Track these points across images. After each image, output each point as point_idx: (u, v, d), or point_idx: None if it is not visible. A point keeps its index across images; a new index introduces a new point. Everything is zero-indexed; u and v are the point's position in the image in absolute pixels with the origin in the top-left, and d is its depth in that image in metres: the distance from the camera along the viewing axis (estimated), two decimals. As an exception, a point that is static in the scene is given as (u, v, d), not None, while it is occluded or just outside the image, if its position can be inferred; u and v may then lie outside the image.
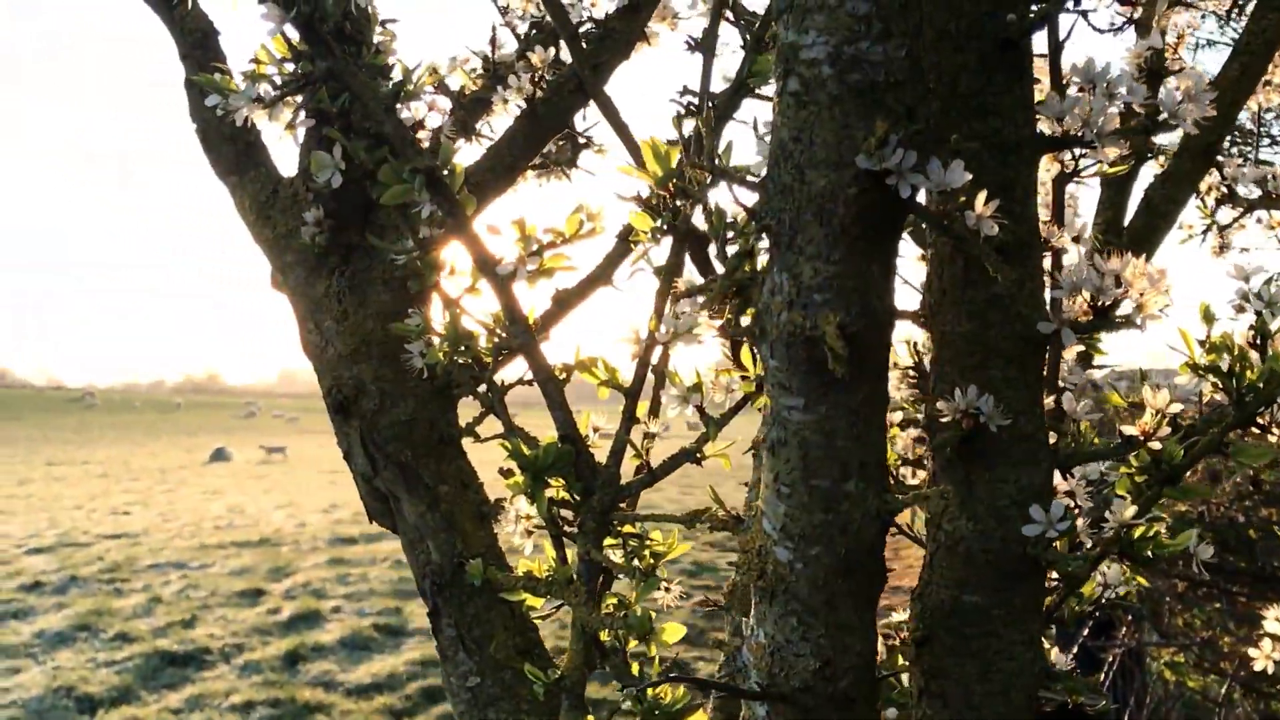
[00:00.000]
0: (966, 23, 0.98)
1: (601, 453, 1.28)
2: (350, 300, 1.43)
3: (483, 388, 1.34)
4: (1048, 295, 1.02)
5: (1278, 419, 1.04)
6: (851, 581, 0.93)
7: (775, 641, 0.95)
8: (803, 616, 0.93)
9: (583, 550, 1.24)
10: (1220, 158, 1.93)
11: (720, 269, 1.03)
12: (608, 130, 1.34)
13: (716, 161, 0.98)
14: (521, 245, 1.26)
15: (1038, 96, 1.03)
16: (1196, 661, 4.26)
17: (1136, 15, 1.43)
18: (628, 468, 1.29)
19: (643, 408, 1.29)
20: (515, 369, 1.35)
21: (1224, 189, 1.96)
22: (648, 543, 1.27)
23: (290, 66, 1.27)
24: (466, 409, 1.46)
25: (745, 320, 1.02)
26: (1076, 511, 1.07)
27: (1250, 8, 1.88)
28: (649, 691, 1.17)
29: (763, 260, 0.95)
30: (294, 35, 1.25)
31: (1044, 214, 1.16)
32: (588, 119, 1.73)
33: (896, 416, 1.23)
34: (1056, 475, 1.07)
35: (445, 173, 1.22)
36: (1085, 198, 2.06)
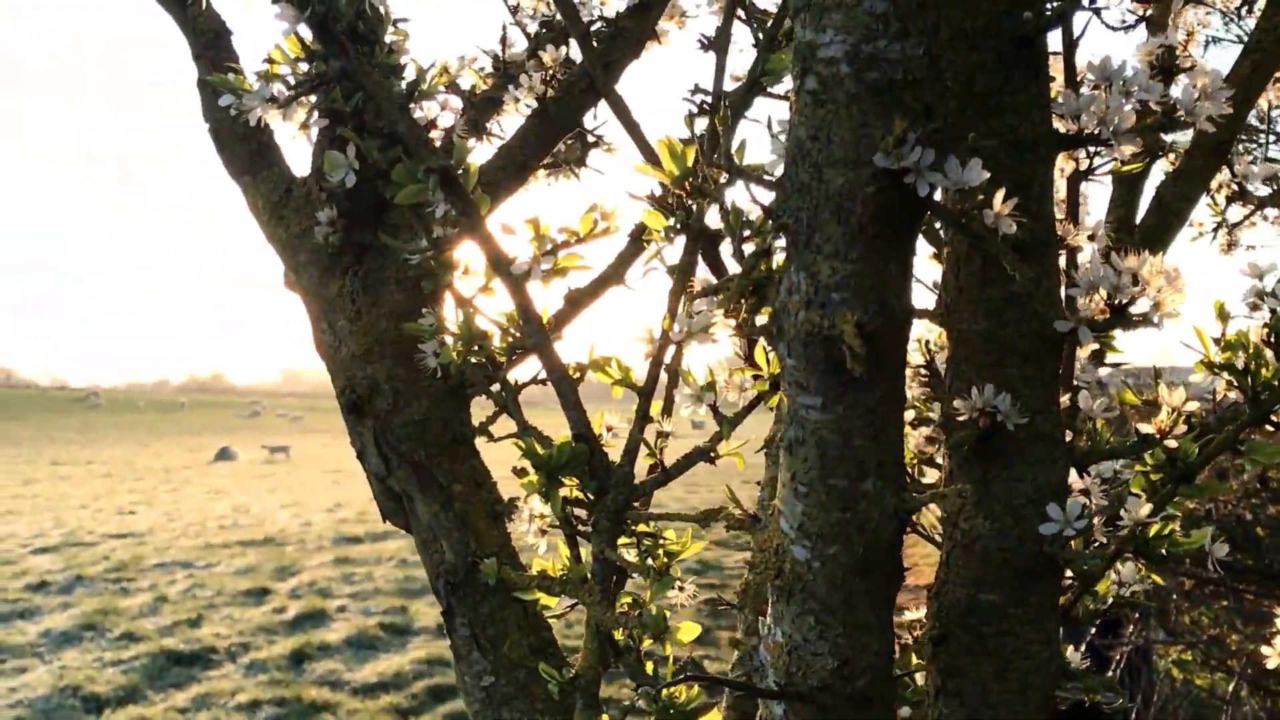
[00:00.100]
0: (983, 21, 0.98)
1: (615, 452, 1.28)
2: (364, 300, 1.43)
3: (496, 387, 1.34)
4: (1063, 293, 1.02)
5: (1293, 416, 1.04)
6: (869, 580, 0.93)
7: (793, 640, 0.95)
8: (820, 615, 0.93)
9: (597, 549, 1.24)
10: (1230, 155, 1.93)
11: (734, 268, 1.03)
12: (616, 129, 1.34)
13: (732, 160, 0.98)
14: (536, 245, 1.26)
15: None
16: (1204, 659, 4.26)
17: (1148, 13, 1.43)
18: (641, 467, 1.29)
19: (656, 407, 1.29)
20: (528, 368, 1.35)
21: (1234, 186, 1.96)
22: (661, 542, 1.27)
23: (304, 66, 1.27)
24: (479, 409, 1.47)
25: (761, 319, 1.02)
26: (1092, 510, 1.07)
27: (1260, 4, 1.88)
28: (663, 690, 1.17)
29: (779, 259, 0.96)
30: (307, 35, 1.26)
31: (1058, 212, 1.16)
32: (598, 118, 1.73)
33: (908, 415, 1.23)
34: (1072, 473, 1.08)
35: (460, 172, 1.22)
36: (1095, 196, 2.06)
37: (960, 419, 1.00)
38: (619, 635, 1.22)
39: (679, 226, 1.21)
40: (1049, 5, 1.02)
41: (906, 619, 1.26)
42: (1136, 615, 4.02)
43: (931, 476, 1.27)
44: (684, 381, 1.25)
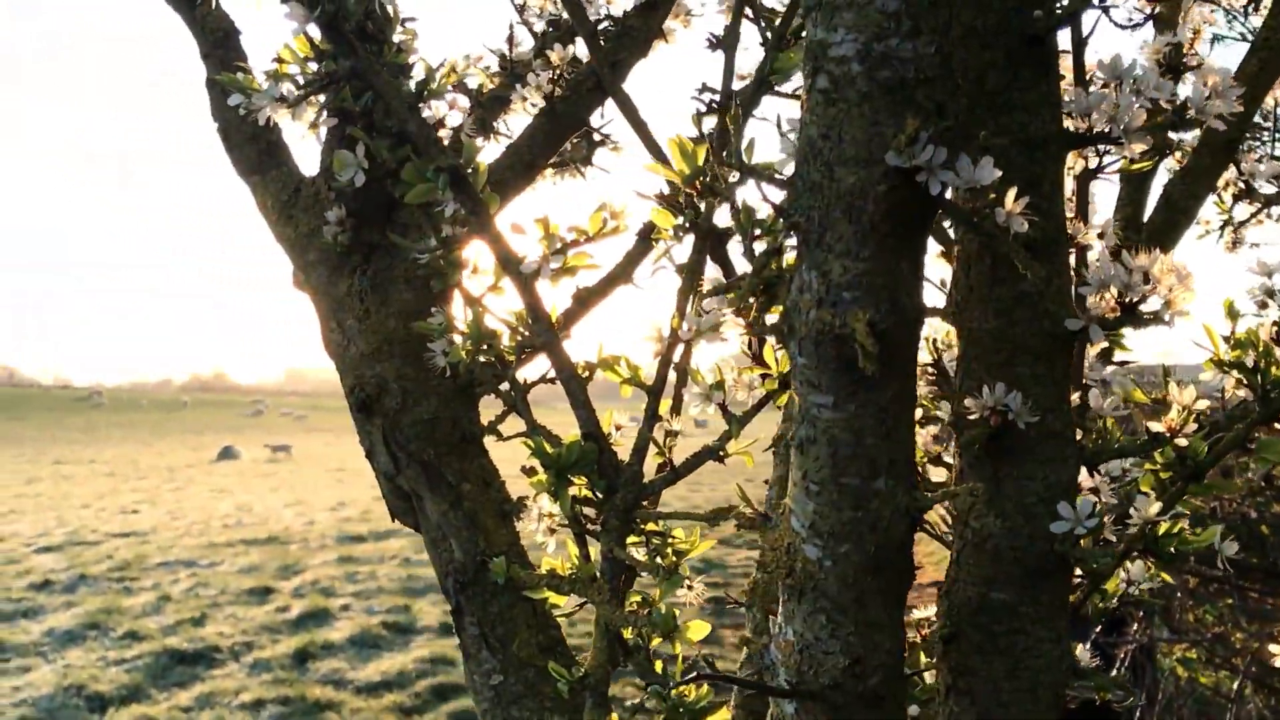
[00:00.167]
0: (993, 19, 0.98)
1: (624, 451, 1.28)
2: (372, 299, 1.43)
3: (505, 386, 1.34)
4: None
5: (1304, 415, 1.04)
6: (881, 579, 0.93)
7: (804, 639, 0.95)
8: (832, 614, 0.94)
9: (606, 548, 1.24)
10: (1237, 153, 1.93)
11: (743, 267, 1.03)
12: (623, 127, 1.34)
13: (743, 158, 0.98)
14: (545, 244, 1.26)
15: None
16: (1208, 657, 4.26)
17: (1155, 11, 1.43)
18: (649, 465, 1.29)
19: (664, 405, 1.29)
20: (537, 367, 1.35)
21: (1241, 184, 1.96)
22: (670, 540, 1.27)
23: (313, 66, 1.27)
24: (488, 408, 1.47)
25: (772, 318, 1.02)
26: (1102, 508, 1.07)
27: (1267, 2, 1.88)
28: (673, 689, 1.17)
29: (790, 258, 0.96)
30: (317, 35, 1.26)
31: (1067, 210, 1.16)
32: (605, 116, 1.73)
33: (915, 414, 1.23)
34: (1082, 472, 1.08)
35: (469, 171, 1.23)
36: (1101, 194, 2.05)
37: (971, 417, 1.00)
38: (628, 634, 1.22)
39: (688, 225, 1.21)
40: (1059, 3, 1.02)
41: (914, 617, 1.26)
42: (1141, 613, 4.02)
43: (938, 475, 1.27)
44: (693, 380, 1.25)
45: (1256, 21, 2.15)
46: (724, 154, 1.03)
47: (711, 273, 1.25)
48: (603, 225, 1.29)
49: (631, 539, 1.26)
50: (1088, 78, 1.13)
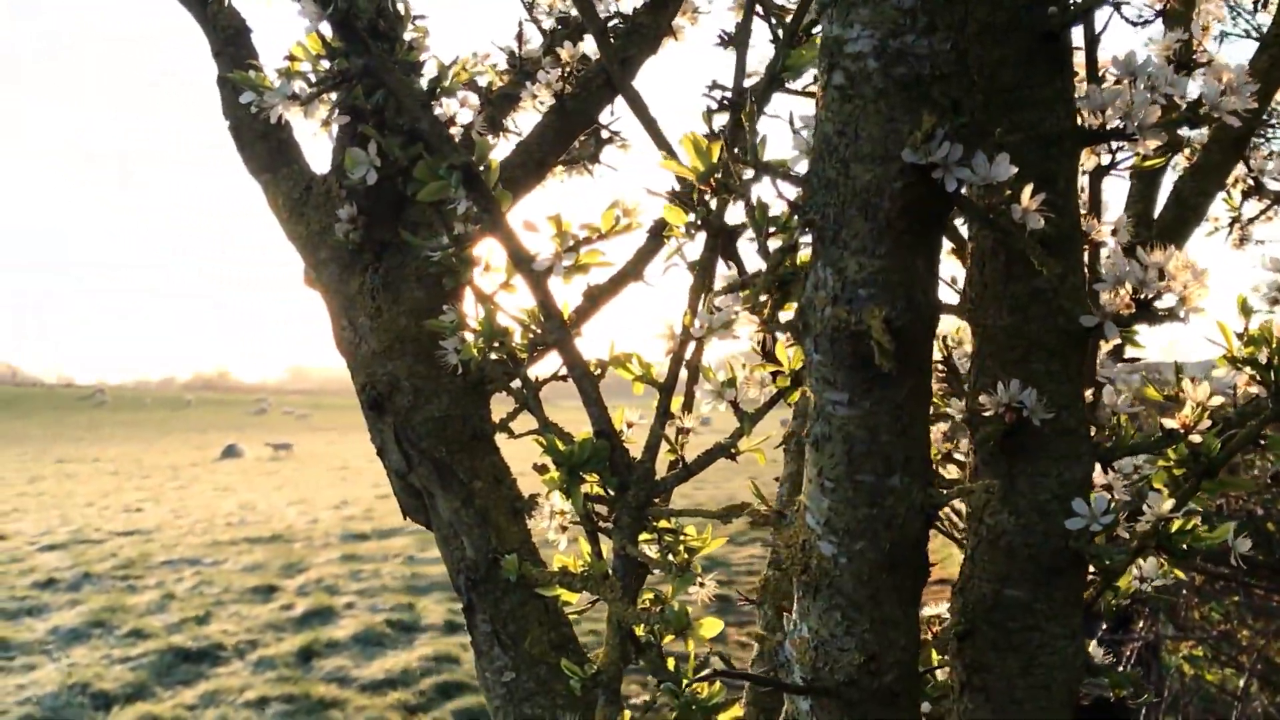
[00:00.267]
0: (1008, 16, 0.98)
1: (635, 448, 1.28)
2: (384, 297, 1.43)
3: (517, 383, 1.34)
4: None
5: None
6: (896, 576, 0.93)
7: (819, 636, 0.95)
8: (847, 611, 0.94)
9: (618, 545, 1.24)
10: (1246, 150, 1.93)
11: (755, 264, 1.03)
12: (633, 124, 1.34)
13: (758, 155, 0.98)
14: (558, 241, 1.26)
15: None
16: (1214, 654, 4.25)
17: (1167, 6, 1.43)
18: (661, 463, 1.29)
19: (676, 403, 1.29)
20: (549, 364, 1.35)
21: (1250, 181, 1.96)
22: (682, 538, 1.27)
23: (325, 64, 1.27)
24: (499, 405, 1.47)
25: (786, 315, 1.02)
26: (1116, 504, 1.07)
27: (1276, -1, 1.88)
28: (686, 686, 1.17)
29: (805, 255, 0.96)
30: (329, 32, 1.26)
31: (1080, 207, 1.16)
32: (614, 114, 1.73)
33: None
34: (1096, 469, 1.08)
35: (481, 169, 1.23)
36: (1111, 191, 2.06)
37: (986, 414, 1.00)
38: (640, 631, 1.22)
39: (699, 222, 1.21)
40: (1073, 0, 1.02)
41: (925, 614, 1.26)
42: (1147, 610, 4.01)
43: (950, 473, 1.27)
44: (704, 378, 1.25)
45: (1264, 18, 2.15)
46: (738, 151, 1.03)
47: (723, 270, 1.25)
48: (615, 222, 1.29)
49: (643, 536, 1.26)
50: (1100, 74, 1.13)
